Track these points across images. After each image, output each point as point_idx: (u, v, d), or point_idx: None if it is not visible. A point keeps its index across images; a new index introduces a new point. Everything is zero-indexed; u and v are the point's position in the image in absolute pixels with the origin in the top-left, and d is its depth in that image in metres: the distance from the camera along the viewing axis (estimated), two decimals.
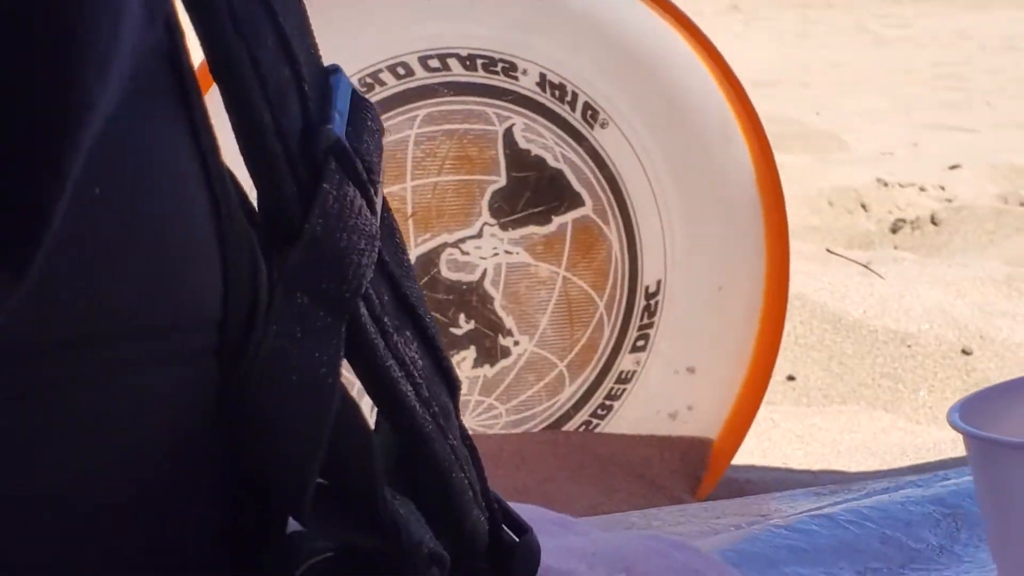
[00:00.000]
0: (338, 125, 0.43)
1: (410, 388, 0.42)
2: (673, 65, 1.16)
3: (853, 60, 7.13)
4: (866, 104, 5.23)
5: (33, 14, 0.26)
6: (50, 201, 0.28)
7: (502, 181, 1.17)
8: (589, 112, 1.16)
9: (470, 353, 1.18)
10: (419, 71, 1.13)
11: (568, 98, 1.16)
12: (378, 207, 0.46)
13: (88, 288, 0.34)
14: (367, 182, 0.45)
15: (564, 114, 1.16)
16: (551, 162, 1.17)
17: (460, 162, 1.16)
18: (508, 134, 1.16)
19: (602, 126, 1.17)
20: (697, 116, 1.17)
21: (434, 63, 1.14)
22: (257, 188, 0.44)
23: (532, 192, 1.18)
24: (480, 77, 1.15)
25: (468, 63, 1.14)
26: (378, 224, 0.45)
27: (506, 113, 1.16)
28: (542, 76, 1.15)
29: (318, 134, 0.42)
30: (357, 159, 0.44)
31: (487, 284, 1.19)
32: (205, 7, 0.38)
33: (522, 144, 1.16)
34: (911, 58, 7.21)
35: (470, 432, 0.46)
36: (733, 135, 1.18)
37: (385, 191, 0.43)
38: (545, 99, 1.16)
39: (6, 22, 0.26)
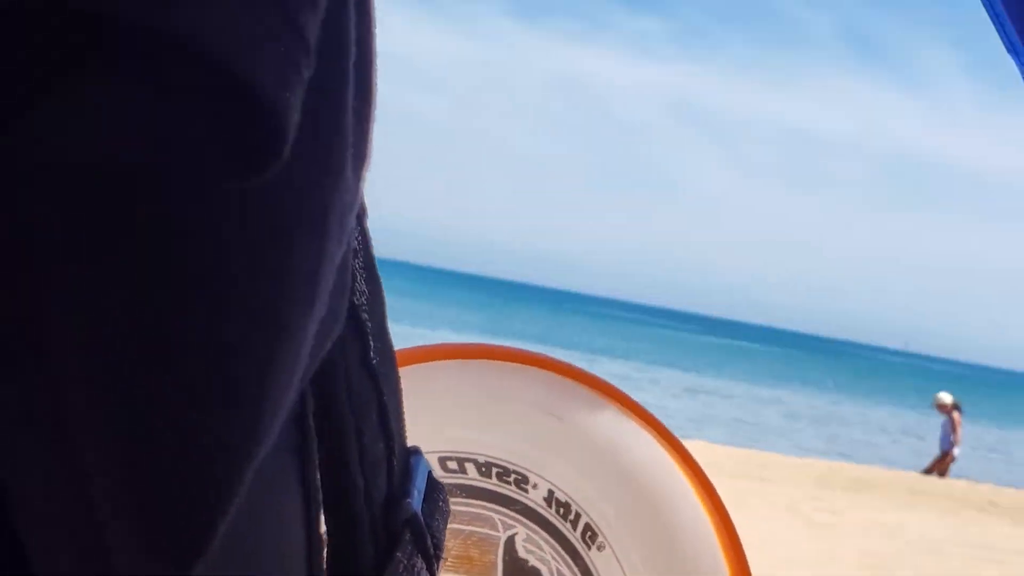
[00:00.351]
0: (416, 501, 0.49)
1: None
2: (675, 504, 1.22)
3: (784, 538, 7.25)
4: None
5: (233, 364, 0.30)
6: (220, 517, 0.31)
7: None
8: (589, 533, 1.21)
9: None
10: (437, 470, 1.19)
11: (571, 517, 1.21)
12: None
13: None
14: (433, 557, 0.50)
15: (565, 531, 1.21)
16: (545, 575, 1.21)
17: (460, 561, 1.20)
18: (510, 542, 1.20)
19: (599, 548, 1.21)
20: (690, 558, 1.22)
21: (452, 465, 1.21)
22: (332, 542, 0.48)
23: None
24: (493, 484, 1.21)
25: (484, 470, 1.20)
26: None
27: (511, 522, 1.20)
28: (550, 492, 1.21)
29: (399, 506, 0.48)
30: (428, 535, 0.49)
31: None
32: (326, 378, 0.43)
33: (521, 553, 1.21)
34: (840, 544, 7.35)
35: None
36: None
37: None
38: (550, 514, 1.21)
39: (211, 356, 0.30)
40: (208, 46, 0.26)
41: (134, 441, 0.29)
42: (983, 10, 2.02)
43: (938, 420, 14.50)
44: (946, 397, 14.37)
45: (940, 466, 13.79)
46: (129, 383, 0.29)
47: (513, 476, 1.21)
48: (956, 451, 13.93)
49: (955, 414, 14.08)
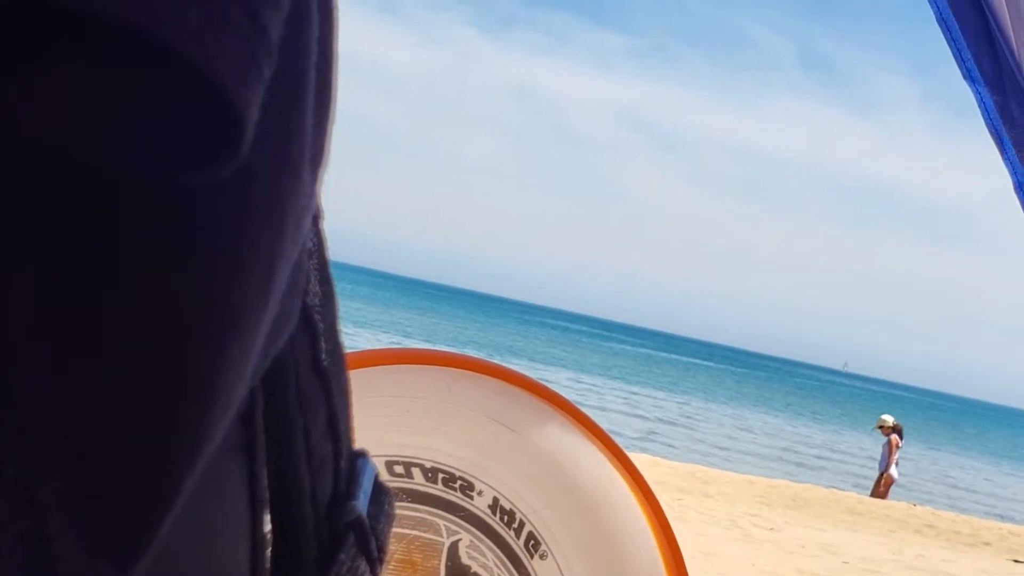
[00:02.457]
0: (361, 503, 0.49)
1: None
2: (618, 515, 1.23)
3: (723, 552, 7.30)
4: None
5: (183, 357, 0.30)
6: (164, 513, 0.31)
7: None
8: (532, 542, 1.21)
9: None
10: (384, 473, 1.19)
11: (515, 525, 1.21)
12: None
13: None
14: (377, 560, 0.50)
15: (509, 539, 1.21)
16: None
17: (403, 565, 1.19)
18: (453, 547, 1.20)
19: (542, 557, 1.22)
20: (632, 569, 1.23)
21: (399, 469, 1.20)
22: (276, 540, 0.48)
23: None
24: (438, 490, 1.20)
25: (430, 475, 1.20)
26: None
27: (455, 528, 1.21)
28: (495, 500, 1.21)
29: (344, 508, 0.48)
30: (373, 537, 0.49)
31: None
32: (276, 377, 0.43)
33: (464, 559, 1.20)
34: (778, 560, 7.41)
35: None
36: None
37: None
38: (494, 522, 1.21)
39: (161, 358, 0.30)
40: (168, 38, 0.26)
41: (79, 433, 0.28)
42: (941, 41, 2.06)
43: (881, 441, 14.67)
44: (888, 419, 14.53)
45: (878, 487, 13.92)
46: (76, 374, 0.28)
47: (459, 482, 1.21)
48: (894, 472, 14.06)
49: (893, 437, 14.24)
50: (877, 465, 14.47)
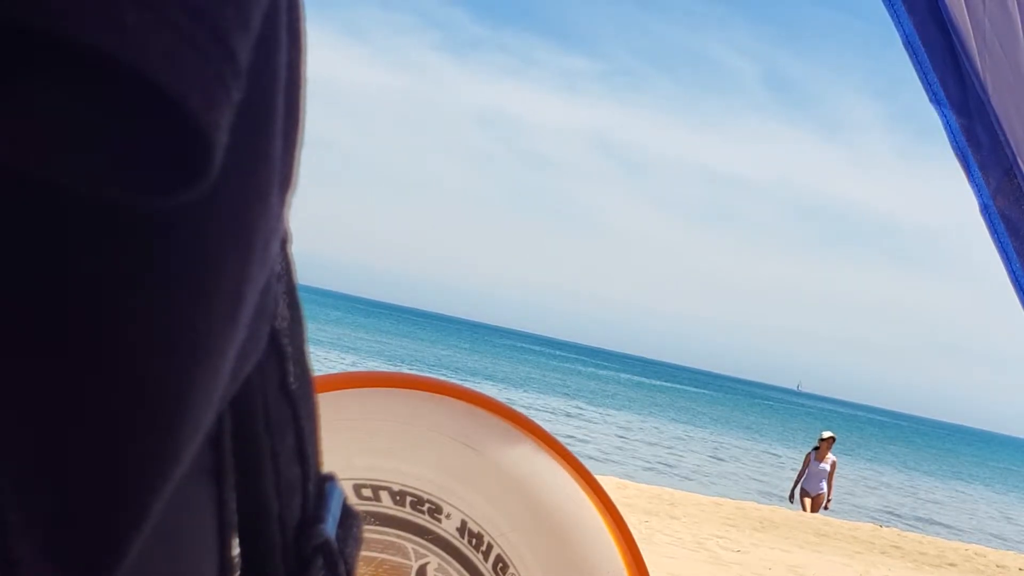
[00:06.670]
0: (330, 526, 0.49)
1: None
2: (586, 537, 1.23)
3: (690, 574, 7.31)
4: None
5: (151, 381, 0.30)
6: (133, 536, 0.31)
7: None
8: (500, 564, 1.21)
9: None
10: (352, 497, 1.18)
11: (483, 548, 1.21)
12: None
13: None
14: None
15: (477, 562, 1.21)
16: None
17: None
18: (421, 571, 1.20)
19: None
20: None
21: (366, 492, 1.20)
22: (245, 564, 0.48)
23: None
24: (406, 513, 1.20)
25: (398, 498, 1.20)
26: None
27: (423, 551, 1.20)
28: (463, 523, 1.21)
29: (312, 531, 0.48)
30: (341, 560, 0.49)
31: None
32: (244, 401, 0.43)
33: None
34: None
35: None
36: None
37: None
38: (462, 544, 1.21)
39: (130, 378, 0.30)
40: (135, 61, 0.26)
41: (48, 456, 0.28)
42: (906, 64, 2.08)
43: (841, 459, 14.68)
44: (824, 434, 14.52)
45: (803, 502, 13.87)
46: (45, 398, 0.28)
47: (427, 505, 1.20)
48: (807, 486, 13.94)
49: (809, 453, 14.27)
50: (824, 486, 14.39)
